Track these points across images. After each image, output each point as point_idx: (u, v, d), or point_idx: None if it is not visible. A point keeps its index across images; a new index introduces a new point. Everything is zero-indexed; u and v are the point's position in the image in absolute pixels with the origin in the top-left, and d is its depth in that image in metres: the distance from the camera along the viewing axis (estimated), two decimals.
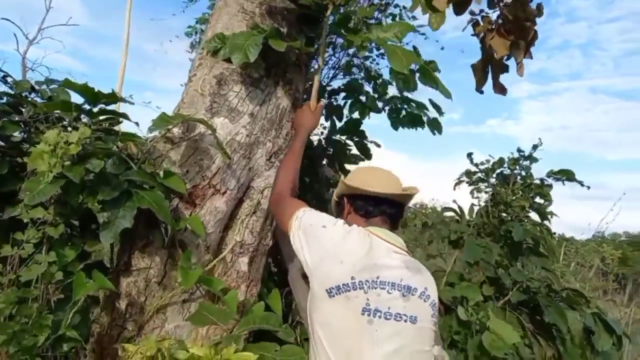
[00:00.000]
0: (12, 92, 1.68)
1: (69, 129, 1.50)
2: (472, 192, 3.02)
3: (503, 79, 2.40)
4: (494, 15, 2.56)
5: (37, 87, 1.79)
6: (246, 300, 1.85)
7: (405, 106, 2.67)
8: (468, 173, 3.10)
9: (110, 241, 1.39)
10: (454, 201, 3.06)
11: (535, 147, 2.87)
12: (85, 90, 1.42)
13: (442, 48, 4.08)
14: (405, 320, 1.30)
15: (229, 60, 1.82)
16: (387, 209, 1.54)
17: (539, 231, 2.69)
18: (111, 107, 1.53)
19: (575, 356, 2.32)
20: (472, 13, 2.67)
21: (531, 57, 2.21)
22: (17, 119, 1.51)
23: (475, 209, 2.95)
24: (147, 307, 1.68)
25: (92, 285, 1.42)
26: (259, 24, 1.91)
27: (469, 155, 3.09)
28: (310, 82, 2.24)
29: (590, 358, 2.35)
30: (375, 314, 1.28)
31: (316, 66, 2.04)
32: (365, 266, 1.34)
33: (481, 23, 2.60)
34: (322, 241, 1.40)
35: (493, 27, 2.27)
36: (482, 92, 2.41)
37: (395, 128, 2.78)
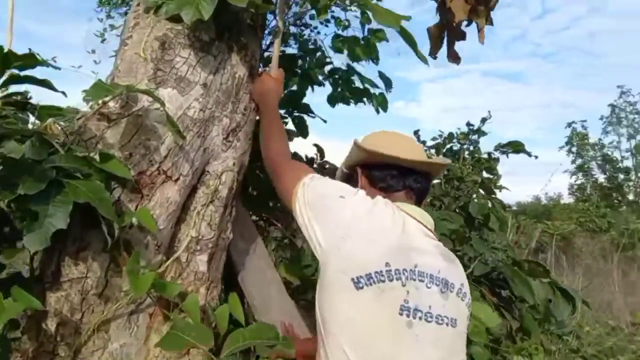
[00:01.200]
0: None
1: None
2: None
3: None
4: None
5: None
6: (207, 304, 1.58)
7: (351, 79, 2.48)
8: None
9: (39, 247, 1.05)
10: None
11: (484, 120, 2.86)
12: None
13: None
14: (447, 324, 1.06)
15: (174, 20, 1.52)
16: (412, 183, 1.27)
17: (492, 205, 2.69)
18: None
19: (535, 327, 2.34)
20: None
21: (492, 24, 2.13)
22: None
23: None
24: (84, 325, 1.35)
25: (15, 307, 1.08)
26: None
27: (416, 132, 3.02)
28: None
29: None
30: (415, 315, 1.02)
31: (275, 28, 1.77)
32: (400, 250, 1.07)
33: None
34: (342, 215, 1.11)
35: None
36: (435, 58, 2.30)
37: (332, 104, 2.59)
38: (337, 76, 2.48)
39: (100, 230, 1.26)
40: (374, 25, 2.34)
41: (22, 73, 1.13)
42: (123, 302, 1.39)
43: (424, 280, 1.06)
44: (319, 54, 2.52)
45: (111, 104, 1.39)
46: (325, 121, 2.61)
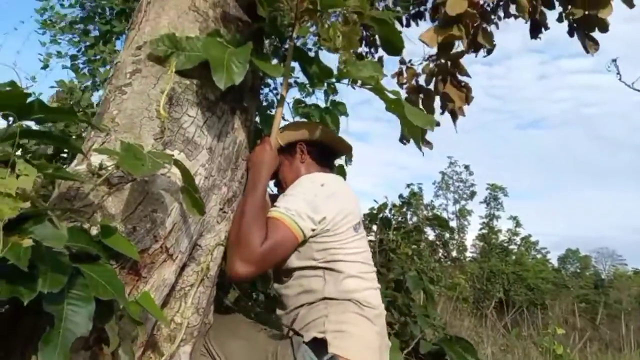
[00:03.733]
0: None
1: None
2: None
3: None
4: (418, 68, 2.64)
5: None
6: None
7: None
8: None
9: None
10: None
11: (414, 194, 3.03)
12: (10, 98, 0.75)
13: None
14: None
15: (182, 73, 1.34)
16: (334, 162, 1.87)
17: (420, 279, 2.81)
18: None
19: None
20: (402, 62, 2.70)
21: (464, 114, 2.32)
22: None
23: None
24: None
25: None
26: (218, 31, 1.46)
27: None
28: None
29: None
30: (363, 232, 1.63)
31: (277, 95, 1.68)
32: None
33: (405, 74, 2.65)
34: (333, 194, 1.52)
35: (440, 78, 2.31)
36: (405, 143, 2.42)
37: None
38: None
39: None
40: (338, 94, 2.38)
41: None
42: None
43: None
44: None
45: (109, 164, 1.14)
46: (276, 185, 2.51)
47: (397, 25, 3.19)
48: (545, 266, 19.69)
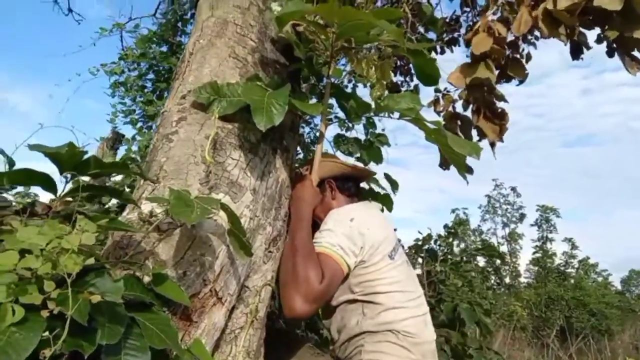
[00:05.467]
0: None
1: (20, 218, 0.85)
2: None
3: None
4: (455, 94, 2.62)
5: None
6: None
7: None
8: None
9: None
10: None
11: (459, 223, 2.95)
12: (68, 157, 0.80)
13: (383, 129, 4.02)
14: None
15: (224, 118, 1.38)
16: (359, 189, 1.87)
17: (473, 310, 2.69)
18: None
19: None
20: (437, 90, 2.69)
21: (502, 141, 2.27)
22: None
23: None
24: None
25: None
26: (258, 75, 1.51)
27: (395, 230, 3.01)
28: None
29: None
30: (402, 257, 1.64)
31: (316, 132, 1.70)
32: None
33: (441, 102, 2.63)
34: (364, 226, 1.52)
35: (475, 109, 2.28)
36: (445, 169, 2.38)
37: None
38: None
39: None
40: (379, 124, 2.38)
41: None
42: None
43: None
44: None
45: (158, 210, 1.18)
46: None
47: (432, 53, 3.20)
48: (607, 289, 18.42)
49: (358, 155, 2.22)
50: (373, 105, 1.76)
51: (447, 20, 4.24)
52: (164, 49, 2.83)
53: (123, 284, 0.97)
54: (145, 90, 2.77)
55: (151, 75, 2.86)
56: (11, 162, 1.15)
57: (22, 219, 0.73)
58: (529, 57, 3.76)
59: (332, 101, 1.91)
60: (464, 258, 2.92)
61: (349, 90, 1.89)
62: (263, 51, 1.62)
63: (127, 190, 1.94)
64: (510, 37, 2.52)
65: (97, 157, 0.83)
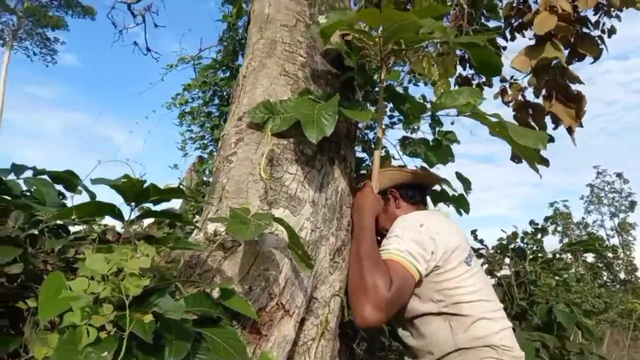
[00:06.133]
0: None
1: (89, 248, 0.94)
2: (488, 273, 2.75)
3: None
4: (524, 81, 2.48)
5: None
6: None
7: None
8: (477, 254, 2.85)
9: None
10: None
11: (547, 219, 2.74)
12: (131, 188, 0.88)
13: (452, 123, 3.95)
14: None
15: (279, 135, 1.42)
16: (426, 197, 1.81)
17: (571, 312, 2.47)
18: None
19: None
20: (502, 80, 2.56)
21: (581, 125, 2.09)
22: (8, 234, 0.89)
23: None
24: None
25: None
26: (308, 89, 1.54)
27: (473, 232, 2.88)
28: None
29: None
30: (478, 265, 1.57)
31: (374, 139, 1.69)
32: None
33: (509, 91, 2.50)
34: (435, 231, 1.46)
35: (545, 95, 2.14)
36: (517, 162, 2.24)
37: None
38: None
39: None
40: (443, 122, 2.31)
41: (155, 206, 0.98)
42: None
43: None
44: (383, 153, 2.45)
45: (222, 229, 1.24)
46: None
47: (500, 41, 3.03)
48: None
49: (426, 156, 2.15)
50: (429, 105, 1.70)
51: (514, 4, 4.01)
52: (227, 74, 2.99)
53: (193, 301, 1.03)
54: (212, 115, 2.94)
55: (217, 101, 3.03)
56: (92, 196, 1.28)
57: (93, 247, 0.81)
58: (612, 31, 3.43)
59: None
60: (557, 255, 2.69)
61: (408, 90, 1.85)
62: (313, 65, 1.65)
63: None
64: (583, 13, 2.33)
65: (155, 185, 0.90)
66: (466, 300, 1.41)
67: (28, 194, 1.25)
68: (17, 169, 1.25)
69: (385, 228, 1.63)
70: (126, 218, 0.90)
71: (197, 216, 2.01)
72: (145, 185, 0.89)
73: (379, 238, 1.61)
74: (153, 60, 5.27)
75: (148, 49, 4.76)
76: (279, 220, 1.13)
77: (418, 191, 1.75)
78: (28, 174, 1.27)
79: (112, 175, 0.97)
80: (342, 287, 1.49)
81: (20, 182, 1.23)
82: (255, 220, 1.02)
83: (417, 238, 1.45)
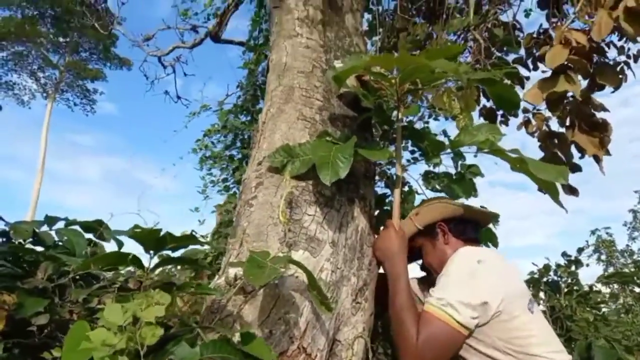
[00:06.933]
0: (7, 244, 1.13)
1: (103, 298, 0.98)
2: None
3: None
4: (547, 111, 2.46)
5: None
6: None
7: None
8: None
9: None
10: None
11: (580, 250, 2.65)
12: (148, 237, 0.93)
13: (475, 155, 3.94)
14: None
15: (298, 177, 1.46)
16: (478, 234, 1.65)
17: (612, 347, 2.34)
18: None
19: None
20: (524, 111, 2.56)
21: (609, 153, 2.05)
22: (36, 285, 0.94)
23: None
24: None
25: None
26: (326, 131, 1.58)
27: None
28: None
29: None
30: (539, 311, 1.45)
31: (393, 177, 1.71)
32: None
33: (533, 122, 2.49)
34: (495, 270, 1.38)
35: (568, 124, 2.12)
36: (545, 193, 2.19)
37: None
38: None
39: None
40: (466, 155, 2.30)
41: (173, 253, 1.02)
42: None
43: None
44: (406, 189, 2.45)
45: (242, 273, 1.26)
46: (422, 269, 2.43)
47: (523, 71, 3.03)
48: None
49: (450, 189, 2.14)
50: (447, 142, 1.71)
51: (534, 35, 4.03)
52: (248, 118, 3.11)
53: (213, 347, 1.04)
54: (234, 158, 3.04)
55: (238, 144, 3.14)
56: (120, 245, 1.34)
57: (113, 296, 0.85)
58: (638, 57, 3.39)
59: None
60: (593, 288, 2.57)
61: (429, 125, 1.86)
62: (330, 108, 1.69)
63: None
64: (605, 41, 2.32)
65: (171, 233, 0.94)
66: (538, 354, 1.31)
67: (61, 243, 1.32)
68: (50, 220, 1.33)
69: (432, 264, 1.59)
70: (146, 265, 0.94)
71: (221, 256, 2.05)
72: (162, 233, 0.93)
73: (425, 273, 1.58)
74: (184, 106, 5.51)
75: (178, 97, 4.99)
76: (297, 263, 1.14)
77: (471, 227, 1.63)
78: (61, 224, 1.35)
79: (148, 219, 1.02)
80: (366, 328, 1.48)
81: (53, 232, 1.30)
82: (271, 264, 1.04)
83: (467, 282, 1.34)
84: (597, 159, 1.91)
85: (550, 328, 1.47)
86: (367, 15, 3.10)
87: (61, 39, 21.02)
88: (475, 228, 1.66)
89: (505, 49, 2.71)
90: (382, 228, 1.61)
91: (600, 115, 2.16)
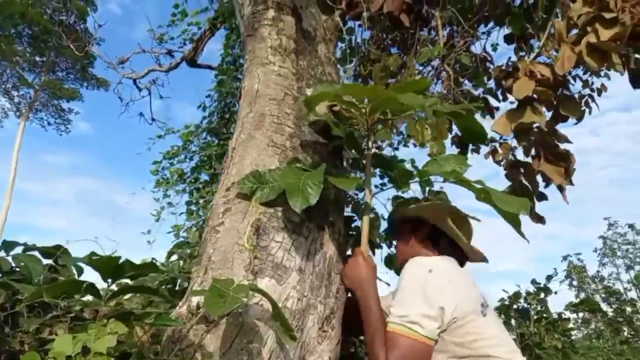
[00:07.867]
0: None
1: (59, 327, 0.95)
2: None
3: None
4: (514, 141, 2.53)
5: None
6: None
7: None
8: None
9: None
10: None
11: (549, 277, 2.69)
12: (106, 264, 0.90)
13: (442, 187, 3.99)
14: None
15: (267, 204, 1.45)
16: (457, 259, 1.61)
17: None
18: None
19: None
20: (492, 140, 2.62)
21: (572, 184, 2.11)
22: None
23: None
24: None
25: None
26: (297, 158, 1.59)
27: None
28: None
29: None
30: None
31: (362, 204, 1.72)
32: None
33: (500, 150, 2.55)
34: (444, 280, 1.41)
35: (533, 154, 2.18)
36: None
37: (391, 267, 2.45)
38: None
39: None
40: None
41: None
42: None
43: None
44: (372, 215, 2.46)
45: (201, 302, 1.23)
46: (388, 284, 2.45)
47: (493, 101, 3.12)
48: None
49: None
50: (415, 172, 1.74)
51: (504, 67, 4.18)
52: (214, 139, 3.13)
53: None
54: (200, 180, 3.04)
55: (198, 163, 3.14)
56: (80, 271, 1.30)
57: (65, 326, 0.82)
58: (601, 90, 3.53)
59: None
60: (562, 315, 2.60)
61: (398, 151, 1.89)
62: (301, 135, 1.71)
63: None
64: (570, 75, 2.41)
65: (130, 261, 0.92)
66: (492, 354, 1.35)
67: (18, 270, 1.27)
68: (7, 245, 1.28)
69: (398, 256, 1.70)
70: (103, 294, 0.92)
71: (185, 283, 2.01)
72: (120, 261, 0.91)
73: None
74: (158, 128, 5.47)
75: (153, 119, 4.96)
76: (261, 291, 1.13)
77: (453, 250, 1.63)
78: (19, 249, 1.30)
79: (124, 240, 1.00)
80: (332, 357, 1.46)
81: (10, 258, 1.25)
82: (233, 293, 1.02)
83: (422, 291, 1.37)
84: (561, 189, 1.97)
85: (504, 329, 1.52)
86: (341, 44, 3.17)
87: (37, 58, 20.77)
88: (458, 254, 1.65)
89: (472, 82, 2.80)
90: (349, 254, 1.62)
91: (563, 146, 2.24)
